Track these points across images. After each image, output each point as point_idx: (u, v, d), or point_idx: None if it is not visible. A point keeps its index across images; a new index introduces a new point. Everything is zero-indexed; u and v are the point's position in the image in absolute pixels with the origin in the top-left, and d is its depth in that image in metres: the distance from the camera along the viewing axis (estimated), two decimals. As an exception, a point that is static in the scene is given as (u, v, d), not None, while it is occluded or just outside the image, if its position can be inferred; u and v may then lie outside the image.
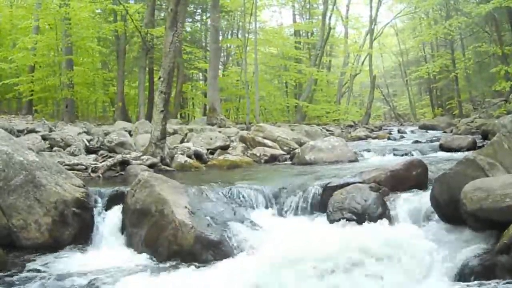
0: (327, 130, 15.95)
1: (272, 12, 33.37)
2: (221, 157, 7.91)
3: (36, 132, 8.67)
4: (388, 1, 28.95)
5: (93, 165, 6.42)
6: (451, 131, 14.66)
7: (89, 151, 7.75)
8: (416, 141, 11.50)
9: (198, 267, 3.42)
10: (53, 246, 3.90)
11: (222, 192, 4.73)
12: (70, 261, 3.67)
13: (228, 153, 8.32)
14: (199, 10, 25.42)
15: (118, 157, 6.76)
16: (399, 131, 17.37)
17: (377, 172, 4.69)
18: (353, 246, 3.26)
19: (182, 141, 9.31)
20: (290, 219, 4.48)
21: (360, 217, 4.03)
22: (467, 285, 2.94)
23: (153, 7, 17.98)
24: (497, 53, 17.80)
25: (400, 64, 35.43)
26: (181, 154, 7.39)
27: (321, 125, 19.16)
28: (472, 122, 15.35)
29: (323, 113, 25.95)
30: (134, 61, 20.57)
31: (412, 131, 17.64)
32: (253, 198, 4.72)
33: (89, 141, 8.07)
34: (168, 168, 6.83)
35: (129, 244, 4.04)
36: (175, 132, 10.23)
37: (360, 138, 14.23)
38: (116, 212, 4.34)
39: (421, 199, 4.12)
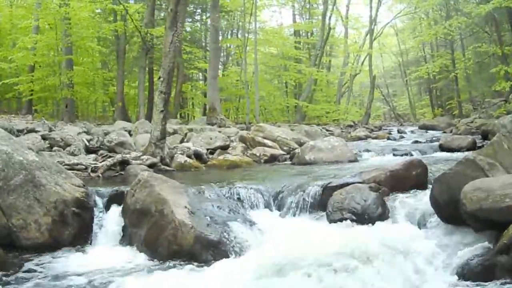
0: (327, 130, 15.95)
1: (272, 12, 33.39)
2: (221, 157, 7.92)
3: (36, 131, 8.67)
4: (388, 1, 28.99)
5: (93, 165, 6.43)
6: (451, 131, 14.66)
7: (89, 151, 7.75)
8: (416, 141, 11.51)
9: (198, 267, 3.42)
10: (53, 246, 3.90)
11: (222, 192, 4.73)
12: (69, 261, 3.67)
13: (228, 153, 8.33)
14: (199, 10, 25.42)
15: (118, 157, 6.76)
16: (398, 131, 17.38)
17: (377, 172, 4.69)
18: (352, 247, 3.26)
19: (182, 141, 9.31)
20: (290, 219, 4.48)
21: (360, 217, 4.03)
22: (467, 285, 2.95)
23: (153, 7, 17.97)
24: (497, 53, 17.79)
25: (400, 64, 35.43)
26: (181, 154, 7.39)
27: (321, 125, 19.15)
28: (472, 122, 15.36)
29: (323, 113, 25.94)
30: (134, 61, 20.56)
31: (412, 131, 17.64)
32: (253, 198, 4.72)
33: (89, 141, 8.08)
34: (168, 168, 6.83)
35: (129, 244, 4.04)
36: (175, 132, 10.23)
37: (360, 138, 14.23)
38: (115, 212, 4.35)
39: (421, 199, 4.13)
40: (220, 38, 22.64)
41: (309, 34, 30.62)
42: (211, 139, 9.04)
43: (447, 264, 3.22)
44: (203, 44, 25.38)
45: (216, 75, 17.71)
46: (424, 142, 10.97)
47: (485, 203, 3.11)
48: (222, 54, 25.38)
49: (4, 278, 3.23)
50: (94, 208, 4.32)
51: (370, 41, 25.69)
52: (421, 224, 3.87)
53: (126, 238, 4.12)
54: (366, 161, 7.78)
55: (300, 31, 30.14)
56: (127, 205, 4.22)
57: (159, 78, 7.15)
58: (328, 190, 4.55)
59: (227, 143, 9.04)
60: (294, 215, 4.54)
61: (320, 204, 4.51)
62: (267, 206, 4.70)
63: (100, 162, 6.68)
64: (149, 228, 3.90)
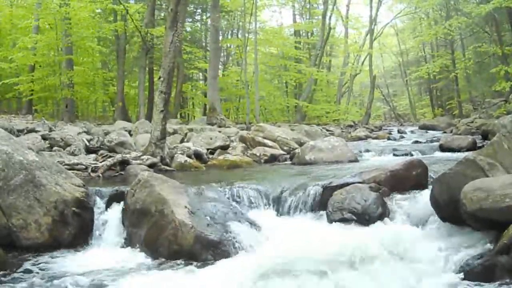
0: (327, 130, 15.95)
1: (272, 12, 33.29)
2: (221, 157, 7.92)
3: (36, 131, 8.68)
4: (388, 1, 28.99)
5: (93, 165, 6.43)
6: (451, 131, 14.66)
7: (89, 150, 7.75)
8: (416, 141, 11.52)
9: (198, 267, 3.42)
10: (53, 245, 3.90)
11: (222, 192, 4.73)
12: (70, 260, 3.67)
13: (228, 153, 8.33)
14: (199, 10, 25.44)
15: (118, 156, 6.76)
16: (399, 131, 17.38)
17: (377, 172, 4.69)
18: (352, 247, 3.27)
19: (182, 141, 9.31)
20: (290, 219, 4.48)
21: (360, 217, 4.03)
22: (467, 285, 2.94)
23: (153, 7, 17.98)
24: (497, 53, 17.80)
25: (400, 64, 35.44)
26: (181, 154, 7.39)
27: (321, 125, 19.16)
28: (472, 122, 15.35)
29: (323, 113, 25.95)
30: (134, 61, 20.57)
31: (412, 131, 17.64)
32: (253, 198, 4.73)
33: (89, 140, 8.08)
34: (168, 168, 6.83)
35: (129, 243, 4.04)
36: (175, 132, 10.23)
37: (360, 138, 14.23)
38: (116, 212, 4.34)
39: (421, 199, 4.12)
40: (220, 38, 22.65)
41: (309, 34, 30.63)
42: (211, 139, 9.04)
43: (447, 264, 3.21)
44: (203, 44, 25.39)
45: (216, 75, 17.72)
46: (424, 142, 10.98)
47: (485, 203, 3.11)
48: (222, 54, 25.40)
49: (4, 278, 3.23)
50: (94, 208, 4.32)
51: (370, 41, 25.69)
52: (421, 224, 3.87)
53: (126, 238, 4.11)
54: (366, 161, 7.77)
55: (300, 31, 30.15)
56: (127, 205, 4.23)
57: (159, 78, 7.15)
58: (328, 190, 4.55)
59: (227, 143, 9.04)
60: (294, 215, 4.54)
61: (320, 204, 4.51)
62: (267, 206, 4.69)
63: (100, 162, 6.68)
64: (149, 228, 3.90)
